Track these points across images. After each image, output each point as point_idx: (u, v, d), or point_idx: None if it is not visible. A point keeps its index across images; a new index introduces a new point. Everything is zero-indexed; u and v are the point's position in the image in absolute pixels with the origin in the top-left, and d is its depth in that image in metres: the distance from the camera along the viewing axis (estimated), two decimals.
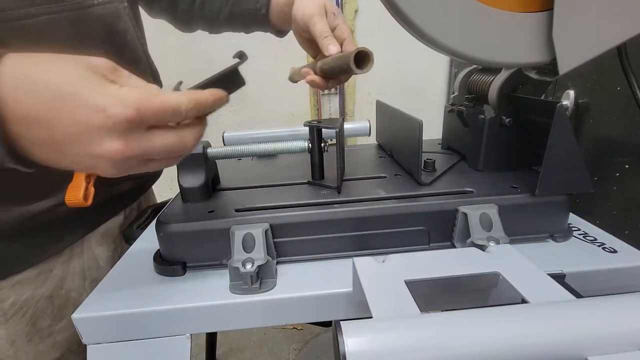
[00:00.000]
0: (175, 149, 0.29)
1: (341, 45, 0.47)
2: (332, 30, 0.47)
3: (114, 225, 0.57)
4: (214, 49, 1.29)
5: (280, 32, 0.63)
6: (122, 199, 0.58)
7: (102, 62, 0.28)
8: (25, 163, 0.27)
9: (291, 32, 0.57)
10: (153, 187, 0.69)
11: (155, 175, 0.67)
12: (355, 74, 0.42)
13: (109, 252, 0.56)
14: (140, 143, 0.27)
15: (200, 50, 1.47)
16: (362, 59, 0.41)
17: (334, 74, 0.47)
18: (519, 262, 0.33)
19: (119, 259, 0.46)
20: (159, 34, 0.76)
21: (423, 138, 0.44)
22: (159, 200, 0.67)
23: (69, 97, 0.25)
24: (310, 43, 0.51)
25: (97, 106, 0.25)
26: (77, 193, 0.44)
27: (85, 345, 0.36)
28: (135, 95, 0.26)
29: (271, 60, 1.53)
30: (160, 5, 0.62)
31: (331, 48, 0.45)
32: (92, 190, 0.45)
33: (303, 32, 0.51)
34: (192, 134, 0.30)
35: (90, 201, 0.45)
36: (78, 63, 0.27)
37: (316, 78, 0.48)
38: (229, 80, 0.35)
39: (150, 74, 0.54)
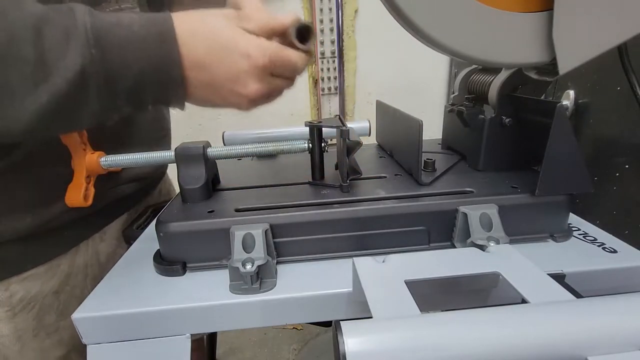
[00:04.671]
0: (282, 90, 0.37)
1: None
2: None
3: (117, 224, 0.57)
4: None
5: None
6: (126, 201, 0.58)
7: (231, 12, 0.34)
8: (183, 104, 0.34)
9: None
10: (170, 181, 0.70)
11: (157, 179, 0.68)
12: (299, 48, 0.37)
13: (111, 248, 0.56)
14: (269, 85, 0.35)
15: None
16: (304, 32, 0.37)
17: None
18: (519, 262, 0.33)
19: (120, 256, 0.46)
20: None
21: (423, 138, 0.44)
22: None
23: (227, 45, 0.32)
24: None
25: (245, 53, 0.32)
26: (77, 193, 0.44)
27: None
28: (273, 47, 0.33)
29: None
30: None
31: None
32: (92, 190, 0.45)
33: None
34: (290, 83, 0.39)
35: (90, 201, 0.45)
36: (224, 16, 0.33)
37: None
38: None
39: None
